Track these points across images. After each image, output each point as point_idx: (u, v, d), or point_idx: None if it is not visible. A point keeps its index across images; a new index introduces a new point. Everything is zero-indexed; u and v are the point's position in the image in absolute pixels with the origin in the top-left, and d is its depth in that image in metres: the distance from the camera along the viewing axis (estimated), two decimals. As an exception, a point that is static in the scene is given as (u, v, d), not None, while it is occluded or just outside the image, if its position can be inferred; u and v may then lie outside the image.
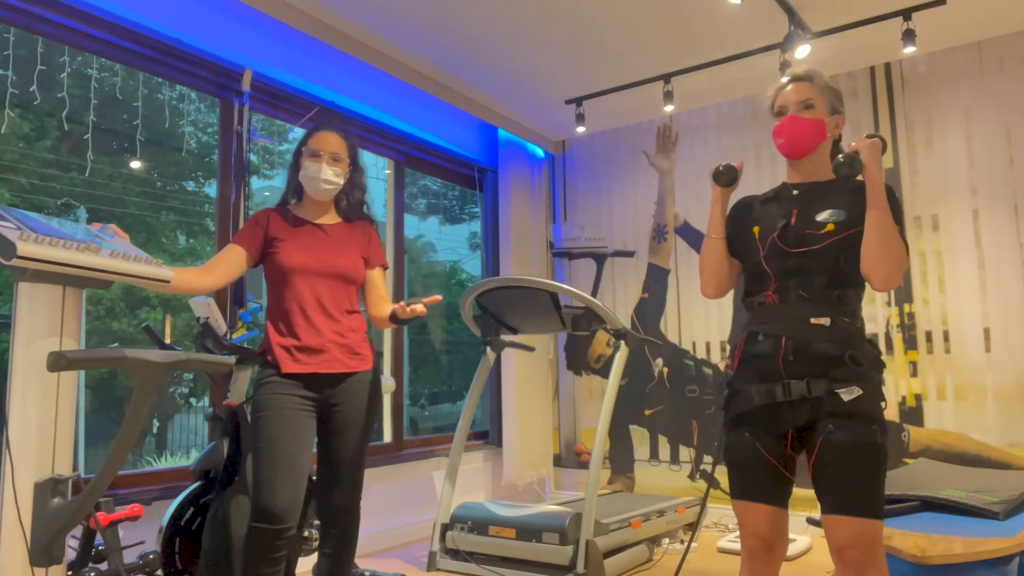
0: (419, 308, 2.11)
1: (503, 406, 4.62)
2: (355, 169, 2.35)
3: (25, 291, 1.62)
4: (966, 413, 3.73)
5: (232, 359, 1.87)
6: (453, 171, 4.84)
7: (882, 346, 3.95)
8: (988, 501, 2.54)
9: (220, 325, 2.51)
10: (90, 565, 2.12)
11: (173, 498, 2.46)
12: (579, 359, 5.00)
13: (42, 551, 1.61)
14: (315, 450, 2.28)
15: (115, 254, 1.72)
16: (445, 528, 3.46)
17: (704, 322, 4.51)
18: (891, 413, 3.91)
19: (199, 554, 2.42)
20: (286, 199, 2.36)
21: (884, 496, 1.66)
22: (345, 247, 2.29)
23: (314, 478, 2.34)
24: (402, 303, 2.12)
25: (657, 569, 3.39)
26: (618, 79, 4.26)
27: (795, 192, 1.86)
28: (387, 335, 4.22)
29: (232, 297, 3.27)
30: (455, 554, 3.41)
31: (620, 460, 4.74)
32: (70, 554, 2.04)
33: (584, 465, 4.89)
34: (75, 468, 1.72)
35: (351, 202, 2.36)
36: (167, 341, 2.54)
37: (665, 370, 4.62)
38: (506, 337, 3.74)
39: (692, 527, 4.04)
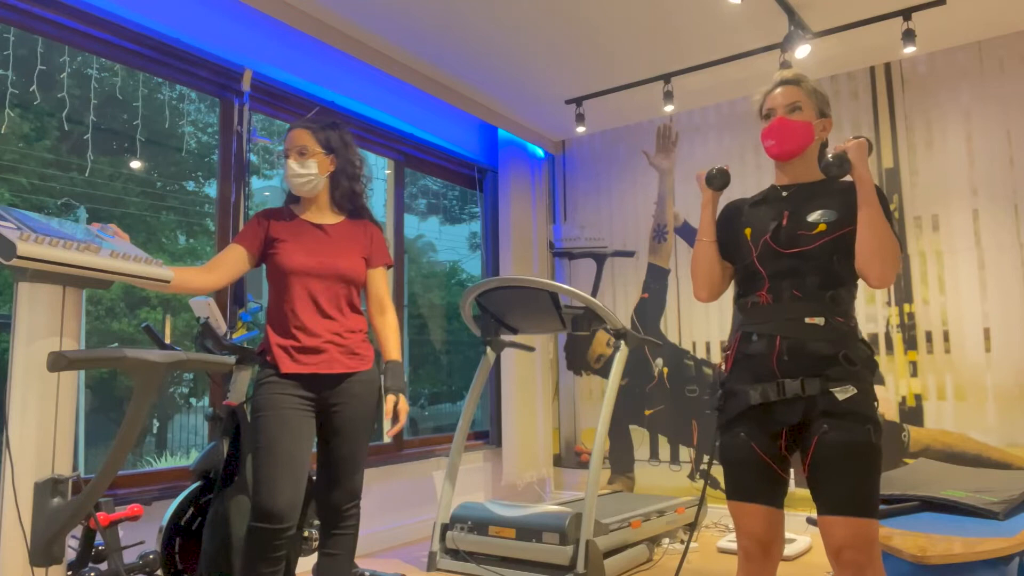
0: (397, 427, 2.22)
1: (503, 406, 4.62)
2: (338, 157, 2.30)
3: (25, 291, 1.62)
4: (966, 413, 3.73)
5: (232, 359, 1.87)
6: (453, 171, 4.84)
7: (882, 346, 3.95)
8: (988, 501, 2.54)
9: (220, 325, 2.51)
10: (90, 565, 2.12)
11: (173, 498, 2.46)
12: (579, 359, 5.00)
13: (42, 551, 1.61)
14: (315, 450, 2.28)
15: (115, 254, 1.72)
16: (445, 528, 3.46)
17: (704, 322, 4.51)
18: (891, 413, 3.91)
19: (199, 554, 2.42)
20: (290, 200, 2.36)
21: (879, 496, 1.67)
22: (346, 248, 2.29)
23: (314, 478, 2.34)
24: (388, 419, 2.20)
25: (657, 569, 3.39)
26: (618, 79, 4.26)
27: (784, 193, 1.88)
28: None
29: (232, 297, 3.27)
30: (455, 554, 3.41)
31: (620, 460, 4.74)
32: (70, 554, 2.04)
33: (584, 465, 4.89)
34: (75, 468, 1.72)
35: (342, 192, 2.31)
36: (167, 341, 2.54)
37: (665, 370, 4.62)
38: (506, 337, 3.74)
39: (691, 527, 4.04)
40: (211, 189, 5.93)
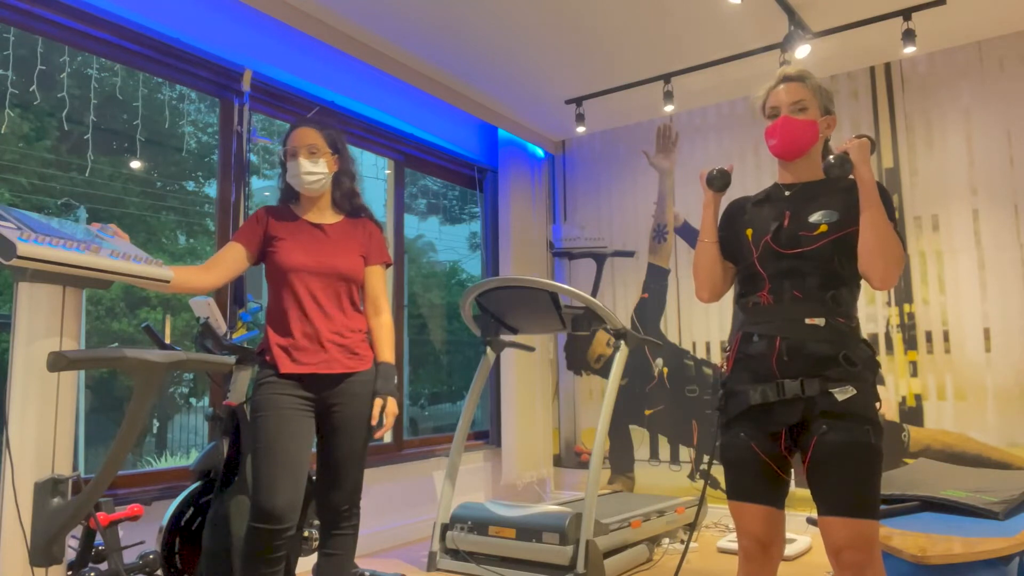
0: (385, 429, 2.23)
1: (503, 406, 4.62)
2: (341, 158, 2.32)
3: (25, 291, 1.62)
4: (966, 413, 3.73)
5: (232, 359, 1.87)
6: (453, 171, 4.84)
7: (882, 346, 3.95)
8: (988, 501, 2.54)
9: (220, 325, 2.51)
10: (90, 565, 2.13)
11: (173, 498, 2.46)
12: (579, 359, 5.00)
13: (42, 551, 1.61)
14: (315, 450, 2.28)
15: (115, 254, 1.72)
16: (445, 528, 3.46)
17: (704, 322, 4.51)
18: (891, 413, 3.91)
19: (199, 554, 2.42)
20: (286, 199, 2.36)
21: (880, 496, 1.66)
22: (344, 246, 2.28)
23: (314, 478, 2.34)
24: (374, 422, 2.20)
25: (657, 569, 3.39)
26: (618, 79, 4.26)
27: (787, 193, 1.87)
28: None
29: (232, 297, 3.27)
30: (455, 554, 3.41)
31: (620, 460, 4.74)
32: (70, 554, 2.04)
33: (584, 465, 4.89)
34: (75, 468, 1.72)
35: (343, 192, 2.33)
36: (167, 341, 2.54)
37: (665, 370, 4.62)
38: (506, 337, 3.74)
39: (691, 527, 4.04)
40: (211, 189, 5.93)
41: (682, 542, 3.82)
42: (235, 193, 3.37)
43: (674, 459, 4.54)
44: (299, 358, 2.17)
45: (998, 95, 3.77)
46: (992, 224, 3.74)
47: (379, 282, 2.36)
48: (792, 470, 1.81)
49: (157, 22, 3.07)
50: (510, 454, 4.56)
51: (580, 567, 3.05)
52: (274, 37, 3.54)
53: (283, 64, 3.58)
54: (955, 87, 3.89)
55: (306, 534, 2.69)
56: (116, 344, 5.32)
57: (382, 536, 3.88)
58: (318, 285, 2.22)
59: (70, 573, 2.09)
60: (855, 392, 1.68)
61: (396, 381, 2.29)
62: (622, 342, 3.36)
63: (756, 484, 1.76)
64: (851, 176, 1.79)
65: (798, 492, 4.00)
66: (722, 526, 4.20)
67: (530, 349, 3.96)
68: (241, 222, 3.35)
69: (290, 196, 2.35)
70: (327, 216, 2.33)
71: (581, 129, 4.63)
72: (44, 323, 1.63)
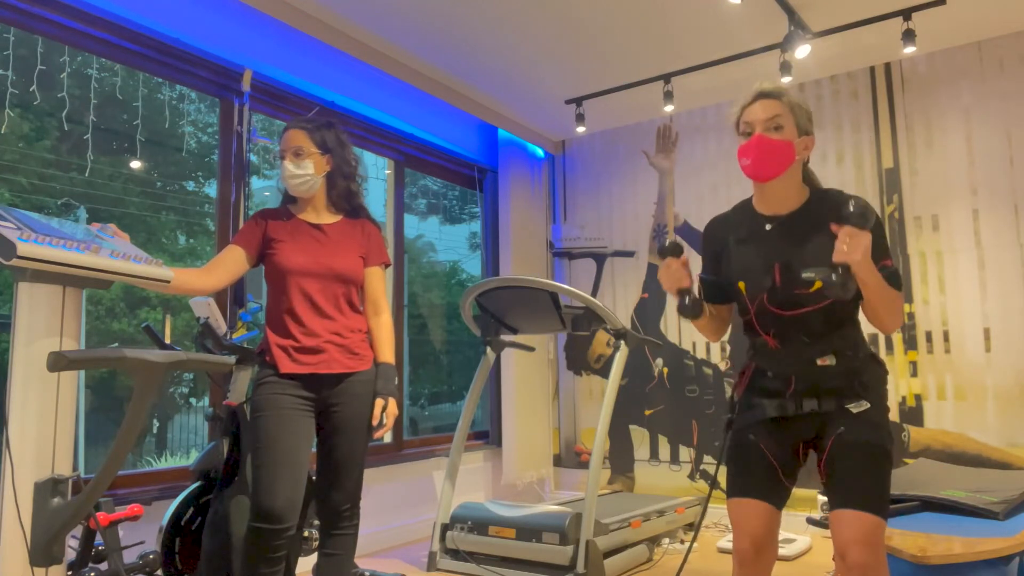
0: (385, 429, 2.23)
1: (503, 406, 4.62)
2: (334, 158, 2.29)
3: (25, 291, 1.62)
4: (966, 413, 3.73)
5: (232, 359, 1.87)
6: (453, 171, 4.84)
7: (882, 346, 3.95)
8: (988, 501, 2.54)
9: (220, 325, 2.51)
10: (90, 565, 2.13)
11: (173, 498, 2.46)
12: (579, 359, 5.00)
13: (42, 551, 1.61)
14: (315, 450, 2.28)
15: (115, 254, 1.72)
16: (445, 528, 3.46)
17: (704, 322, 4.50)
18: (891, 413, 3.90)
19: (199, 554, 2.42)
20: (287, 199, 2.36)
21: (889, 499, 1.68)
22: (343, 247, 2.28)
23: (314, 478, 2.34)
24: (374, 423, 2.20)
25: (657, 569, 3.39)
26: (618, 79, 4.26)
27: (768, 227, 1.78)
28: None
29: (232, 297, 3.27)
30: (455, 554, 3.41)
31: (620, 460, 4.74)
32: (70, 554, 2.04)
33: (584, 465, 4.89)
34: (75, 468, 1.72)
35: (338, 192, 2.31)
36: (167, 341, 2.54)
37: (665, 370, 4.62)
38: (506, 337, 3.74)
39: (692, 527, 4.04)
40: (211, 189, 5.93)
41: (682, 542, 3.82)
42: (235, 193, 3.37)
43: (674, 459, 4.54)
44: (299, 358, 2.17)
45: (998, 95, 3.77)
46: (992, 224, 3.74)
47: (379, 283, 2.36)
48: (795, 478, 1.82)
49: (157, 22, 3.07)
50: (510, 454, 4.56)
51: (580, 567, 3.05)
52: (274, 37, 3.54)
53: (283, 64, 3.58)
54: (955, 87, 3.89)
55: (306, 534, 2.69)
56: (116, 344, 5.32)
57: (382, 536, 3.88)
58: (317, 286, 2.22)
59: (70, 573, 2.09)
60: (869, 405, 1.72)
61: (396, 381, 2.28)
62: (622, 342, 3.36)
63: (759, 481, 1.77)
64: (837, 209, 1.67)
65: (798, 492, 4.00)
66: (722, 526, 4.20)
67: (530, 349, 3.96)
68: (241, 222, 3.35)
69: (290, 197, 2.35)
70: (325, 216, 2.32)
71: (581, 129, 4.63)
72: (44, 323, 1.63)
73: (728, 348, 4.42)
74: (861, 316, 1.78)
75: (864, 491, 1.63)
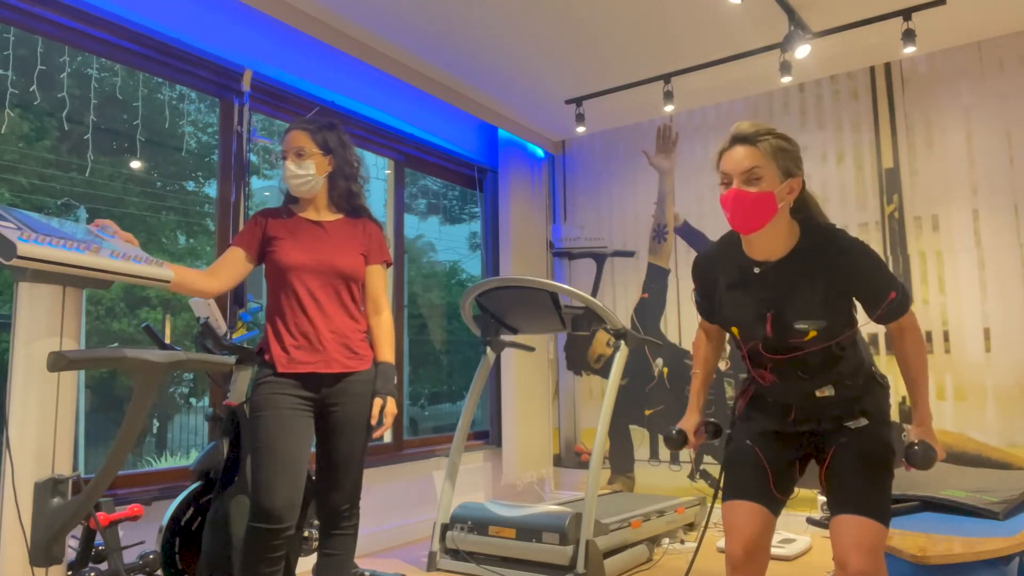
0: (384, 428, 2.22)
1: (503, 406, 4.62)
2: (335, 158, 2.29)
3: (25, 291, 1.62)
4: (966, 413, 3.73)
5: (232, 359, 1.87)
6: (453, 171, 4.84)
7: (882, 346, 3.95)
8: (988, 501, 2.54)
9: (220, 325, 2.51)
10: (90, 565, 2.13)
11: (173, 498, 2.46)
12: (579, 359, 5.00)
13: (42, 551, 1.61)
14: (314, 450, 2.28)
15: (115, 254, 1.72)
16: (445, 528, 3.46)
17: (704, 322, 4.51)
18: (891, 413, 3.90)
19: (199, 554, 2.42)
20: (288, 199, 2.36)
21: (890, 507, 1.68)
22: (344, 244, 2.28)
23: (313, 478, 2.34)
24: (373, 422, 2.19)
25: (657, 569, 3.39)
26: (618, 79, 4.26)
27: (757, 271, 1.71)
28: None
29: (232, 297, 3.27)
30: (455, 554, 3.41)
31: (620, 460, 4.74)
32: (70, 554, 2.04)
33: (584, 465, 4.89)
34: (75, 468, 1.72)
35: (339, 192, 2.31)
36: (167, 341, 2.54)
37: (665, 370, 4.62)
38: (506, 337, 3.74)
39: (692, 527, 4.04)
40: (211, 189, 5.93)
41: (682, 542, 3.82)
42: (235, 193, 3.37)
43: (674, 459, 4.54)
44: (298, 357, 2.17)
45: (998, 95, 3.77)
46: (992, 224, 3.74)
47: (379, 281, 2.35)
48: (789, 492, 1.83)
49: (157, 22, 3.07)
50: (510, 454, 4.56)
51: (580, 567, 3.05)
52: (274, 37, 3.54)
53: (283, 64, 3.58)
54: (955, 87, 3.89)
55: (306, 534, 2.69)
56: (116, 344, 5.32)
57: (382, 536, 3.88)
58: (317, 284, 2.22)
59: (70, 573, 2.09)
60: (867, 422, 1.76)
61: (396, 381, 2.28)
62: (622, 342, 3.36)
63: (754, 484, 1.76)
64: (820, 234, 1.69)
65: (799, 492, 4.00)
66: (722, 526, 4.20)
67: (530, 349, 3.96)
68: (241, 222, 3.35)
69: (291, 197, 2.35)
70: (325, 215, 2.32)
71: (581, 129, 4.63)
72: (44, 323, 1.63)
73: (728, 348, 4.41)
74: (860, 316, 1.78)
75: (864, 498, 1.63)
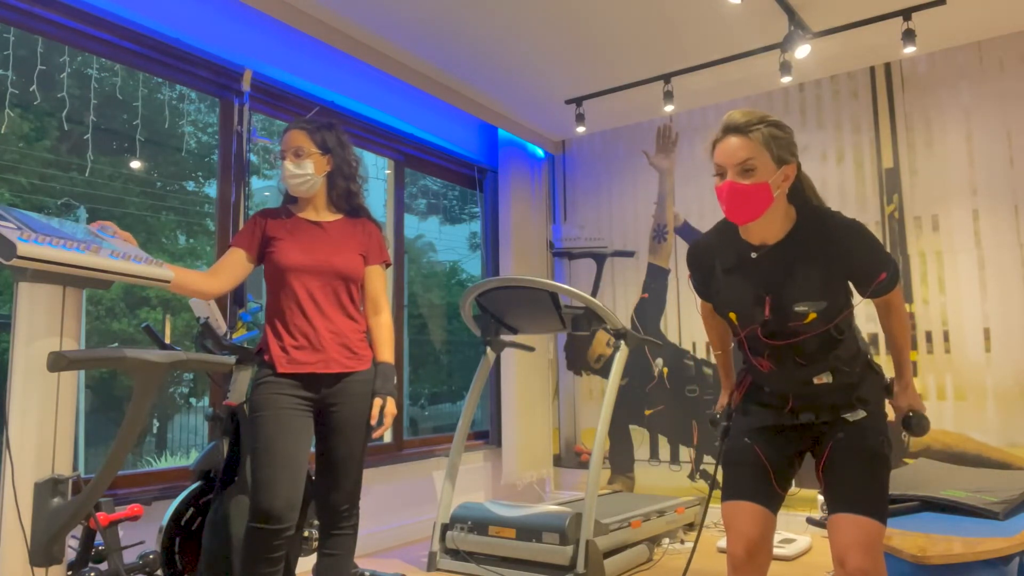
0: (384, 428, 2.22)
1: (503, 406, 4.62)
2: (334, 158, 2.29)
3: (25, 291, 1.62)
4: (966, 413, 3.73)
5: (232, 359, 1.87)
6: (453, 171, 4.84)
7: (882, 347, 3.95)
8: (988, 501, 2.54)
9: (220, 325, 2.51)
10: (90, 565, 2.13)
11: (173, 498, 2.46)
12: (579, 359, 5.00)
13: (42, 551, 1.61)
14: (314, 450, 2.28)
15: (115, 254, 1.72)
16: (445, 528, 3.46)
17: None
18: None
19: (199, 554, 2.42)
20: (287, 199, 2.36)
21: (888, 504, 1.68)
22: (343, 245, 2.28)
23: (313, 478, 2.34)
24: (372, 422, 2.19)
25: (657, 569, 3.39)
26: (618, 79, 4.26)
27: (754, 256, 1.72)
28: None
29: (232, 297, 3.27)
30: (455, 554, 3.41)
31: (620, 460, 4.74)
32: (70, 554, 2.04)
33: (584, 465, 4.89)
34: (75, 468, 1.72)
35: (338, 192, 2.31)
36: (167, 341, 2.54)
37: (665, 370, 4.62)
38: (506, 337, 3.74)
39: (692, 527, 4.04)
40: (211, 189, 5.93)
41: (682, 542, 3.82)
42: (235, 193, 3.37)
43: (674, 459, 4.54)
44: (297, 357, 2.17)
45: (998, 95, 3.77)
46: (992, 224, 3.74)
47: (379, 282, 2.35)
48: (788, 486, 1.82)
49: (157, 22, 3.07)
50: (510, 454, 4.56)
51: (580, 567, 3.05)
52: (274, 37, 3.54)
53: (283, 64, 3.58)
54: (955, 87, 3.89)
55: (306, 534, 2.69)
56: (116, 344, 5.32)
57: (382, 536, 3.88)
58: (316, 284, 2.22)
59: (70, 573, 2.09)
60: (866, 414, 1.74)
61: (395, 381, 2.28)
62: (622, 342, 3.36)
63: (754, 484, 1.76)
64: (818, 225, 1.70)
65: (798, 492, 4.00)
66: (722, 526, 4.21)
67: (530, 349, 3.96)
68: (241, 222, 3.35)
69: (290, 197, 2.35)
70: (324, 215, 2.32)
71: (581, 129, 4.63)
72: (44, 323, 1.63)
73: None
74: (858, 311, 1.78)
75: (863, 495, 1.63)
